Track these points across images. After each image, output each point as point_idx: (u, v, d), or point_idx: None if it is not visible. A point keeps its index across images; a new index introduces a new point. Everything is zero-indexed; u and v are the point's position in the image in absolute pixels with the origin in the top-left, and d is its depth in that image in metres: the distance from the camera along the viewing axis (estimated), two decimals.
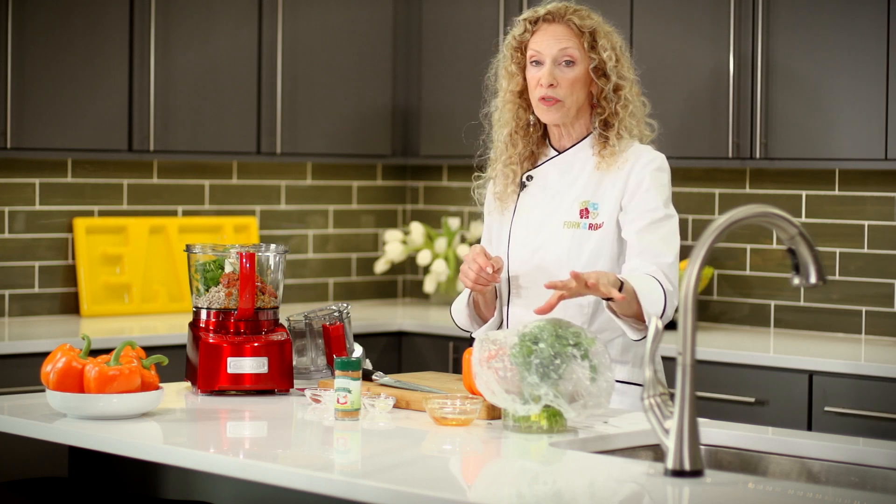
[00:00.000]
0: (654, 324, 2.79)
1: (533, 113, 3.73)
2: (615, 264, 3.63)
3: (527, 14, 3.73)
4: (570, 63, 3.65)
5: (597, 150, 3.69)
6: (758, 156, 5.07)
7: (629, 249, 3.61)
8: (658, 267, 3.54)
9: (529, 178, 3.75)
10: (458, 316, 3.82)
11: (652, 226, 3.60)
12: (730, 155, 5.13)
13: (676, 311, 3.51)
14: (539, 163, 3.75)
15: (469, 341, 3.80)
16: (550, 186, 3.72)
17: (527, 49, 3.69)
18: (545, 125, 3.75)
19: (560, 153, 3.73)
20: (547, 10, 3.69)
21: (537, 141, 3.76)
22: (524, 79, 3.71)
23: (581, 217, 3.66)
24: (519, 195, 3.75)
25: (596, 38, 3.67)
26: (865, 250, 5.22)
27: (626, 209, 3.63)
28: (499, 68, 3.78)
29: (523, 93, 3.73)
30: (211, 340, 3.61)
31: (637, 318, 3.51)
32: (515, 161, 3.74)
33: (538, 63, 3.67)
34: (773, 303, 5.43)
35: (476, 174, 3.88)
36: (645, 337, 3.54)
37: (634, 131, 3.70)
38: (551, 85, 3.63)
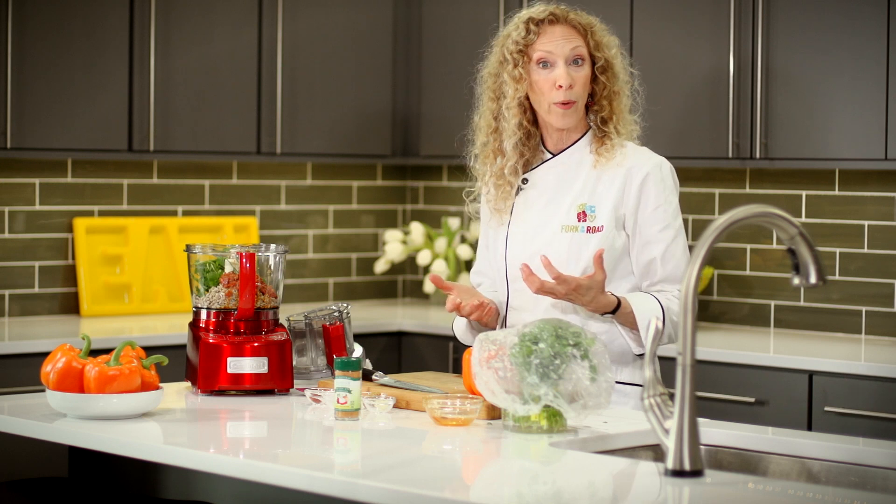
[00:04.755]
0: (653, 325, 2.80)
1: (530, 121, 3.69)
2: (613, 268, 3.62)
3: (526, 16, 3.65)
4: (579, 62, 3.63)
5: (594, 147, 3.67)
6: (758, 156, 5.07)
7: (653, 273, 3.61)
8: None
9: (525, 181, 3.73)
10: (460, 334, 3.80)
11: (671, 248, 3.61)
12: (730, 155, 5.13)
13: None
14: (534, 165, 3.74)
15: None
16: (547, 189, 3.69)
17: (530, 51, 3.65)
18: (531, 138, 3.72)
19: (555, 155, 3.72)
20: (549, 11, 3.64)
21: (524, 158, 3.73)
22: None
23: (579, 220, 3.64)
24: (515, 199, 3.73)
25: (598, 37, 3.65)
26: (865, 250, 5.22)
27: (639, 227, 3.61)
28: (500, 74, 3.68)
29: (524, 99, 3.67)
30: (211, 340, 3.61)
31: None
32: (511, 171, 3.71)
33: (548, 64, 3.62)
34: (773, 303, 5.43)
35: (467, 189, 3.84)
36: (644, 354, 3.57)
37: (630, 127, 3.69)
38: (570, 86, 3.60)
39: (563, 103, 3.60)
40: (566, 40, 3.62)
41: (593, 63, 3.64)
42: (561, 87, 3.59)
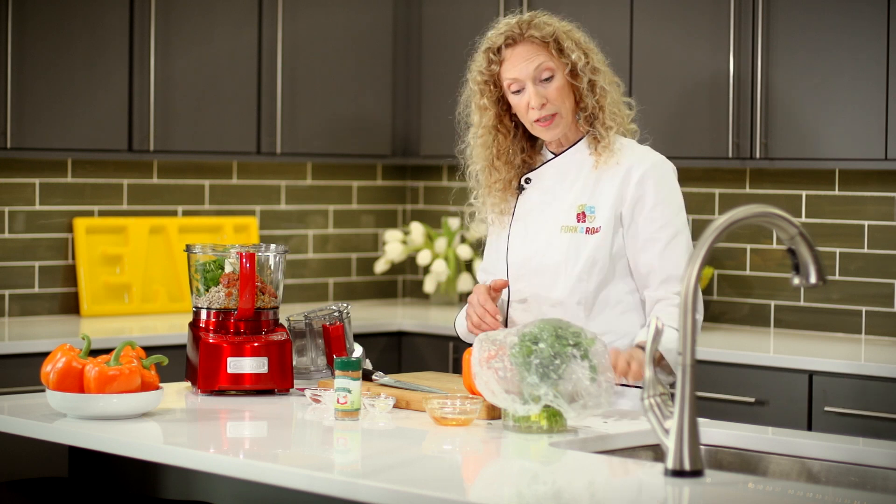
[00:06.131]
0: (654, 324, 2.80)
1: (514, 137, 3.71)
2: (612, 269, 3.61)
3: (486, 44, 3.66)
4: (549, 78, 3.62)
5: (592, 148, 3.68)
6: (758, 156, 5.07)
7: (652, 275, 3.58)
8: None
9: (528, 181, 3.74)
10: (462, 332, 3.81)
11: (669, 247, 3.58)
12: (730, 155, 5.13)
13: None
14: (536, 166, 3.74)
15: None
16: (548, 189, 3.70)
17: (499, 80, 3.65)
18: (526, 143, 3.73)
19: (556, 155, 3.72)
20: (505, 35, 3.62)
21: (521, 163, 3.73)
22: (499, 110, 3.67)
23: (578, 221, 3.64)
24: (517, 199, 3.74)
25: (560, 42, 3.62)
26: (865, 250, 5.22)
27: (636, 226, 3.59)
28: (469, 103, 3.73)
29: (502, 120, 3.69)
30: (211, 340, 3.61)
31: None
32: (501, 187, 3.72)
33: (520, 90, 3.62)
34: (773, 303, 5.43)
35: (469, 204, 3.86)
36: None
37: (618, 118, 3.67)
38: (543, 105, 3.61)
39: (539, 121, 3.62)
40: (528, 61, 3.60)
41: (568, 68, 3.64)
42: (534, 107, 3.60)
